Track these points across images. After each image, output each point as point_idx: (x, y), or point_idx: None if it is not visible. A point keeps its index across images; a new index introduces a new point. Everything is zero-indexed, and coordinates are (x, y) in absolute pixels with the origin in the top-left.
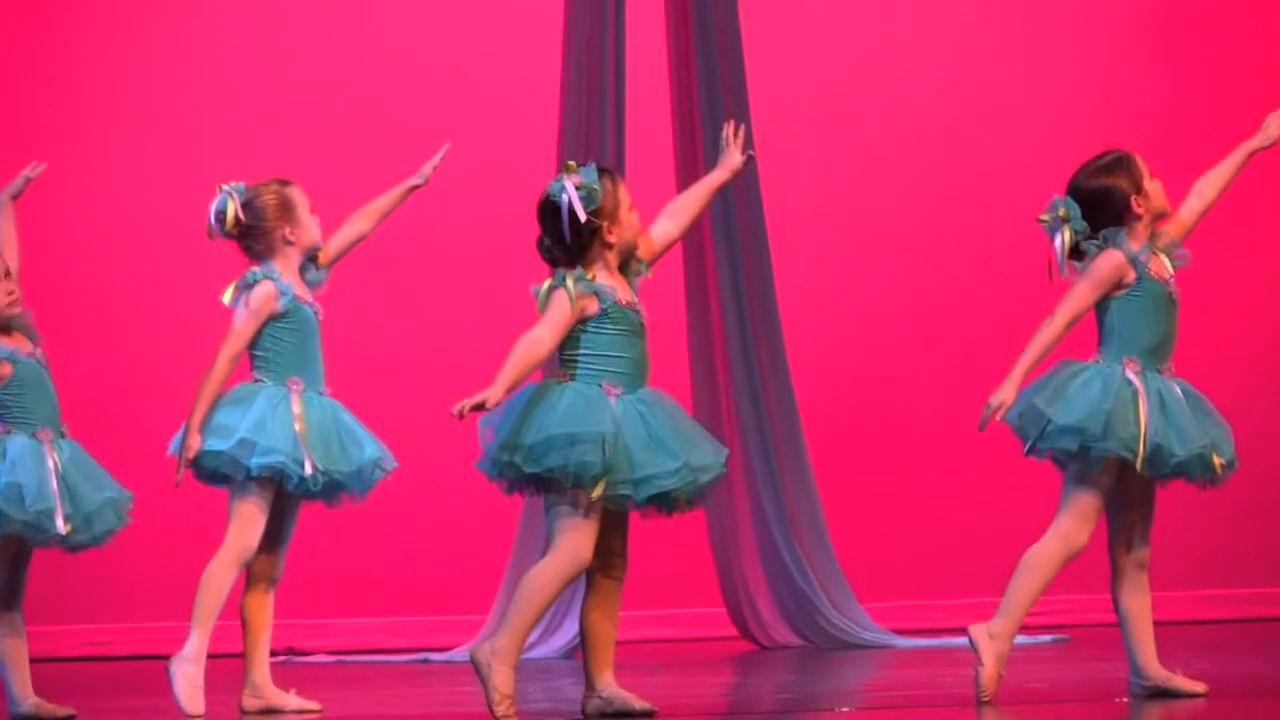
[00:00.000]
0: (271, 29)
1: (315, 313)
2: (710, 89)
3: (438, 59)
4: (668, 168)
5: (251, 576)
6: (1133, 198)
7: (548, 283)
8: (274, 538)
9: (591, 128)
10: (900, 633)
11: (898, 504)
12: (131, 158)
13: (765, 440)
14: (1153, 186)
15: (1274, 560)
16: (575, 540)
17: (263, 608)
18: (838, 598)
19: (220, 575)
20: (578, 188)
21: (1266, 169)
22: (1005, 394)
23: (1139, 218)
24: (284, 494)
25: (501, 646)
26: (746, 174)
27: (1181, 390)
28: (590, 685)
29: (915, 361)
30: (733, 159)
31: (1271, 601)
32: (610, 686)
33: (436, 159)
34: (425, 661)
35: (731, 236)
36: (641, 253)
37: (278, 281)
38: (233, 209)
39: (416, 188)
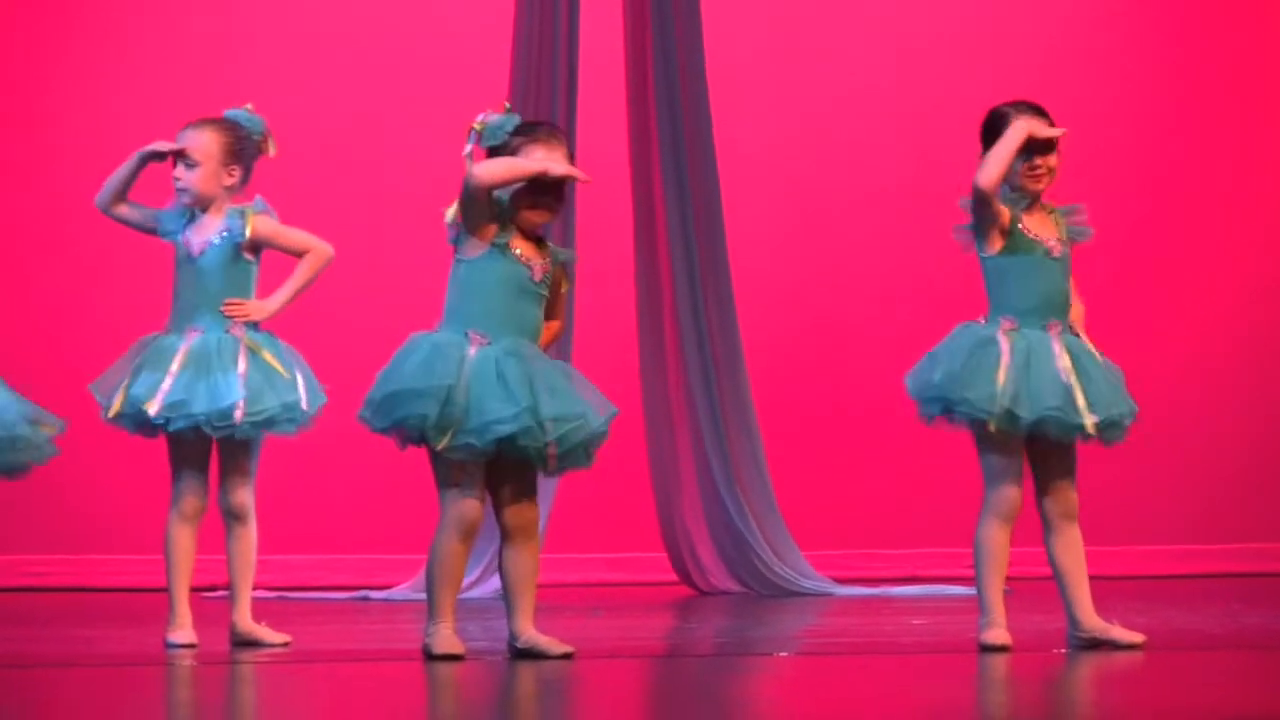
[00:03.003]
0: None
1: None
2: (665, 47)
3: (388, 16)
4: (621, 132)
5: (225, 524)
6: None
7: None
8: (230, 481)
9: (543, 86)
10: (840, 581)
11: (840, 453)
12: (71, 94)
13: (710, 387)
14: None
15: (1214, 517)
16: (452, 499)
17: (235, 548)
18: (778, 545)
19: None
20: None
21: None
22: None
23: None
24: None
25: None
26: (699, 127)
27: (1070, 350)
28: (511, 632)
29: (861, 313)
30: None
31: (1211, 557)
32: (526, 633)
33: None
34: (364, 599)
35: (683, 191)
36: None
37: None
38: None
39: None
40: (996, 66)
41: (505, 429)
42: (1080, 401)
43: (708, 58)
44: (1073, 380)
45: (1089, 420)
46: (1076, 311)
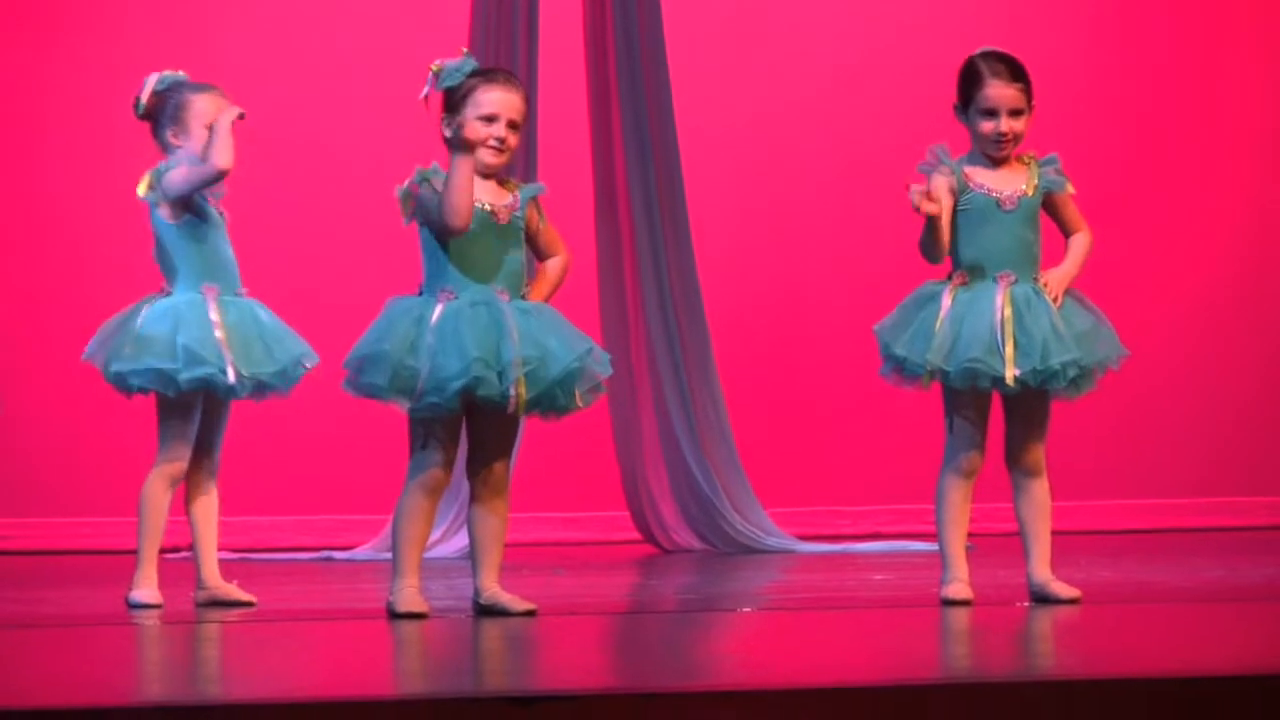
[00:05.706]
0: None
1: (221, 215)
2: (625, 19)
3: None
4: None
5: (190, 484)
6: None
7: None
8: (207, 442)
9: (501, 47)
10: (803, 538)
11: (803, 410)
12: (70, 64)
13: (672, 344)
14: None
15: (1203, 472)
16: (418, 456)
17: (207, 508)
18: (741, 502)
19: (157, 497)
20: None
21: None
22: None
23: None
24: (211, 399)
25: None
26: (658, 87)
27: (1015, 300)
28: (475, 588)
29: (824, 269)
30: None
31: (1199, 512)
32: (490, 589)
33: None
34: (328, 560)
35: (644, 147)
36: None
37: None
38: (146, 92)
39: None
40: (963, 35)
41: (457, 384)
42: (1008, 352)
43: (666, 18)
44: (1005, 331)
45: (1009, 372)
46: (1077, 244)
